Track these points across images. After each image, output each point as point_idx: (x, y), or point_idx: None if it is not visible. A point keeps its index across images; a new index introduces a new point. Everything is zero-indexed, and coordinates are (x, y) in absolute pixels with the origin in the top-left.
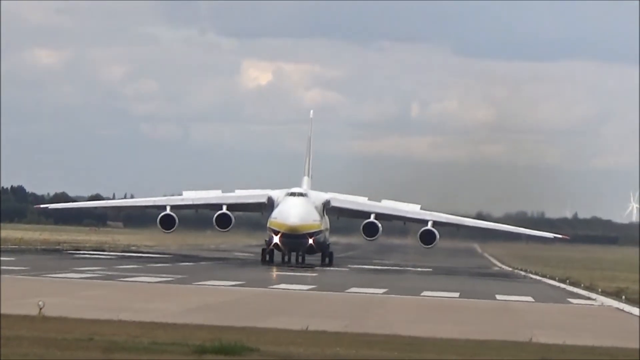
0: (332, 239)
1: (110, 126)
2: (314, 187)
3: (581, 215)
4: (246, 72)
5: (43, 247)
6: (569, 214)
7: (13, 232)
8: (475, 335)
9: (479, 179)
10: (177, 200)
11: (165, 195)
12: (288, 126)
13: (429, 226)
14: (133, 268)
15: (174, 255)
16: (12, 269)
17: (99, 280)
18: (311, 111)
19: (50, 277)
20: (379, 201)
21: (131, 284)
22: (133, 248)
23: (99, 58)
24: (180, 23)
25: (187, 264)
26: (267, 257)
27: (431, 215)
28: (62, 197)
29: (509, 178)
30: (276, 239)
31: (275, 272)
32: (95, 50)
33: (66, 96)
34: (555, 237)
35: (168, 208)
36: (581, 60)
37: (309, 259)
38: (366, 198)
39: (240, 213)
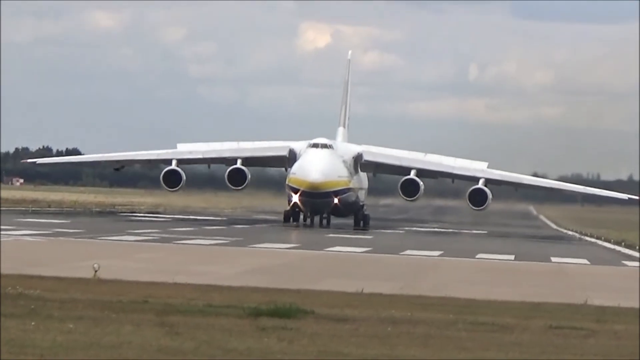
0: (386, 201)
1: (167, 88)
2: (354, 142)
3: (636, 178)
4: (304, 35)
5: (98, 209)
6: (624, 176)
7: (68, 195)
8: (530, 297)
9: (535, 141)
10: (184, 153)
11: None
12: None
13: (480, 184)
14: (188, 230)
15: (228, 217)
16: (67, 232)
17: (154, 243)
18: (349, 52)
19: (105, 239)
20: (424, 155)
21: (186, 247)
22: (189, 210)
23: (157, 20)
24: None
25: (242, 226)
26: (291, 220)
27: (483, 172)
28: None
29: (566, 140)
30: (295, 199)
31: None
32: (153, 12)
33: (124, 58)
34: (629, 198)
35: (174, 163)
36: None
37: (338, 221)
38: (407, 152)
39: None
